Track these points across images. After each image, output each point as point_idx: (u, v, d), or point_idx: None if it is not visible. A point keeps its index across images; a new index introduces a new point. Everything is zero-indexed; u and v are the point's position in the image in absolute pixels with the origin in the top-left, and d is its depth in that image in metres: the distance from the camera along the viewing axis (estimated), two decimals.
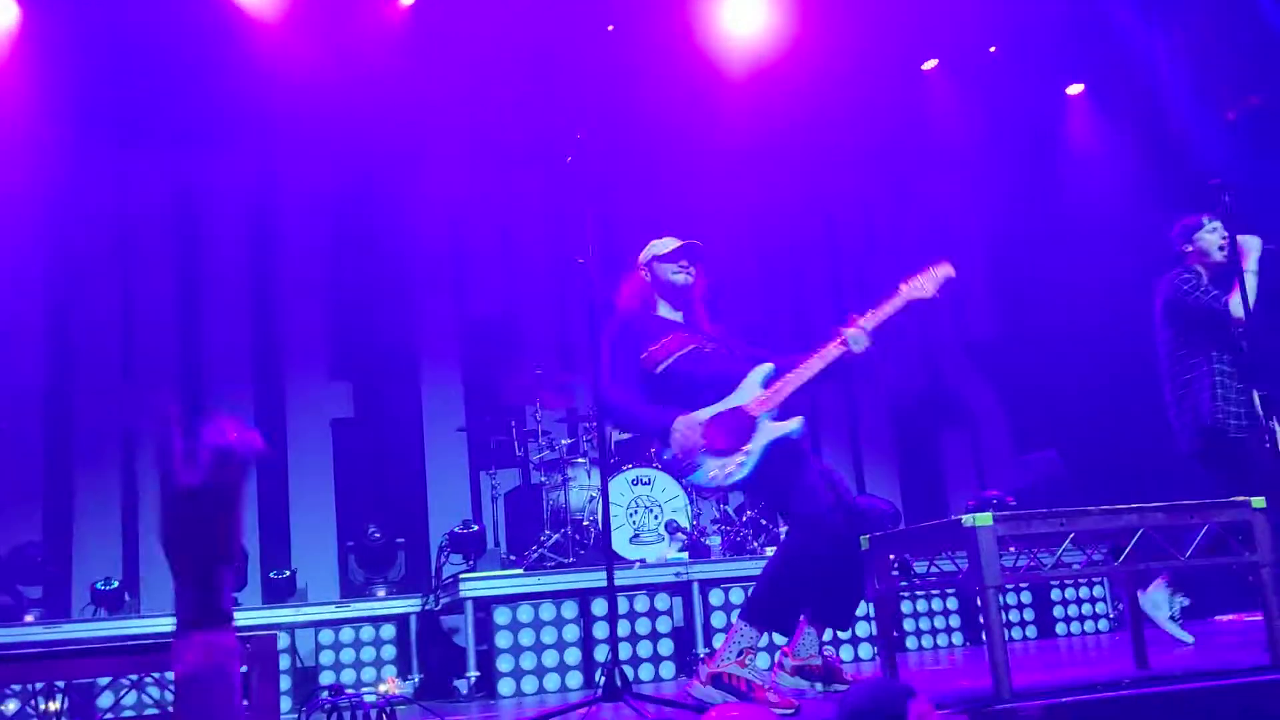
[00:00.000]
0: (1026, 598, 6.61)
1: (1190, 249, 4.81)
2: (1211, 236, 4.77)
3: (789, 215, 8.54)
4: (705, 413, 3.82)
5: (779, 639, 3.93)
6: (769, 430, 3.83)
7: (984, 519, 3.35)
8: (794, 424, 3.84)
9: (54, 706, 4.55)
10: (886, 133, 8.24)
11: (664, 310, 4.13)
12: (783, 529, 6.02)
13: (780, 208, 8.44)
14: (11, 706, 5.11)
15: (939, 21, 7.76)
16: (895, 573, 3.90)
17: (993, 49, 8.18)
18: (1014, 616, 6.52)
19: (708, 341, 4.04)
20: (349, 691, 5.66)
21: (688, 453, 3.78)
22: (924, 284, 3.92)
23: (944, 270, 3.95)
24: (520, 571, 5.91)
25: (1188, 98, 7.71)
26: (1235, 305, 4.53)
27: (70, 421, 7.20)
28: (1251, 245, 4.61)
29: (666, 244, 4.14)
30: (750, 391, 3.89)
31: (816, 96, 7.74)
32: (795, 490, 3.75)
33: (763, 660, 4.55)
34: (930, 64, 8.38)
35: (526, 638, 5.62)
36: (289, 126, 7.50)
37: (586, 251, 3.96)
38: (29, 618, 6.13)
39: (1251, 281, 4.51)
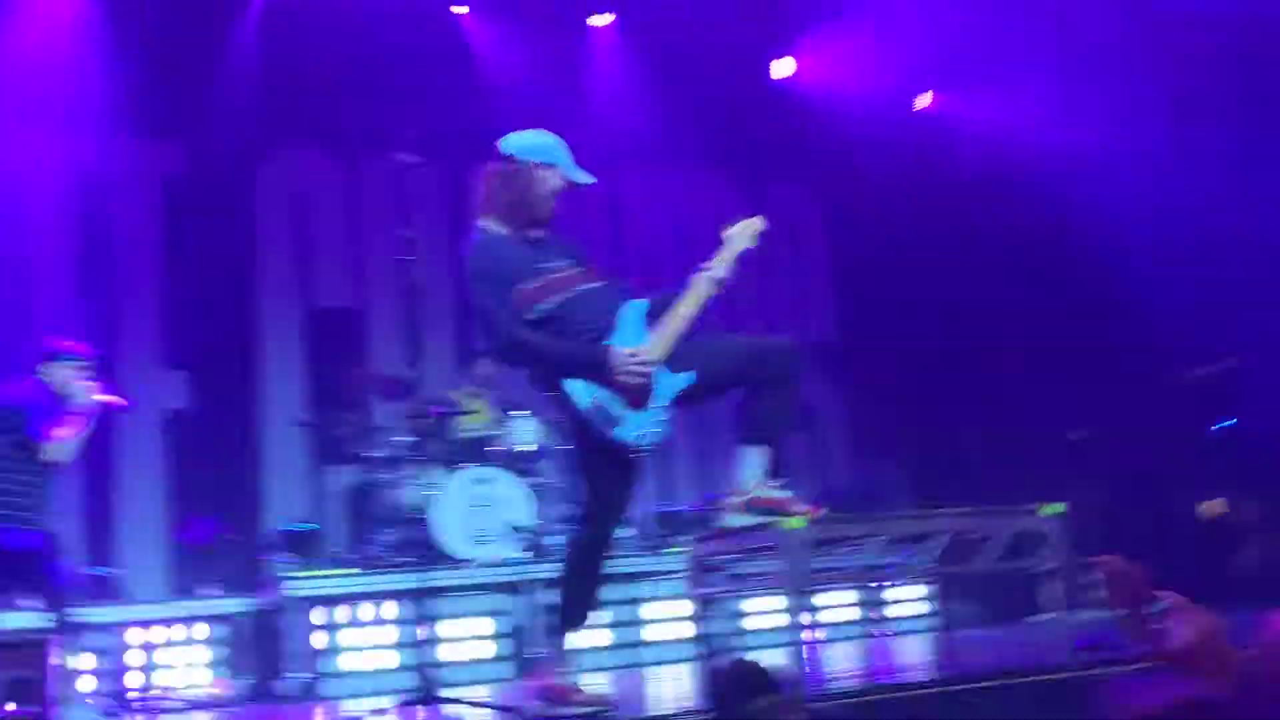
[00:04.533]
0: (855, 597, 6.76)
1: None
2: None
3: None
4: (650, 347, 3.49)
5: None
6: (670, 382, 3.56)
7: (797, 522, 3.44)
8: (691, 376, 3.56)
9: None
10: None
11: (527, 228, 3.68)
12: None
13: None
14: None
15: None
16: (715, 575, 3.97)
17: None
18: (847, 614, 6.67)
19: (582, 273, 3.69)
20: (162, 691, 5.51)
21: (643, 388, 3.46)
22: (744, 233, 3.78)
23: (758, 223, 3.80)
24: (355, 570, 5.81)
25: None
26: None
27: None
28: None
29: (545, 140, 3.71)
30: (636, 333, 3.60)
31: None
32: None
33: None
34: None
35: (357, 638, 5.52)
36: (127, 104, 7.21)
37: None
38: None
39: None
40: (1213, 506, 6.57)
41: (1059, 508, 3.70)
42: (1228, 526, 6.42)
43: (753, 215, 3.85)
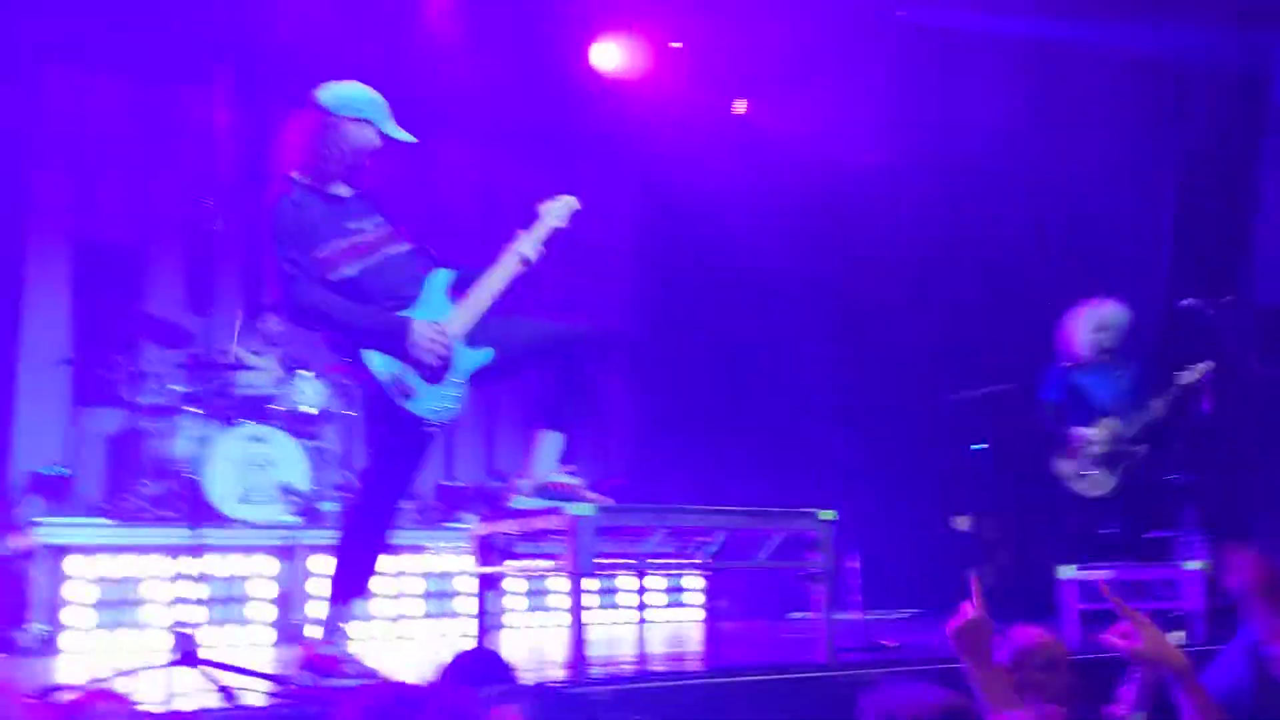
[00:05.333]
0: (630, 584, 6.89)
1: None
2: None
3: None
4: (452, 320, 3.45)
5: None
6: (469, 358, 3.51)
7: (585, 509, 3.47)
8: (488, 353, 3.53)
9: None
10: None
11: (336, 185, 3.56)
12: None
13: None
14: None
15: None
16: (498, 554, 3.97)
17: None
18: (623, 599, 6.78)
19: (388, 235, 3.58)
20: None
21: (440, 360, 3.39)
22: (557, 210, 3.77)
23: (571, 202, 3.81)
24: (107, 522, 5.48)
25: None
26: None
27: None
28: None
29: (362, 93, 3.59)
30: (439, 305, 3.54)
31: None
32: None
33: None
34: None
35: (107, 593, 5.22)
36: None
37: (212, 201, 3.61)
38: None
39: None
40: (960, 522, 7.05)
41: (830, 514, 3.88)
42: (974, 541, 6.89)
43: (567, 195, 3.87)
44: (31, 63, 7.16)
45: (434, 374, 3.43)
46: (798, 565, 3.93)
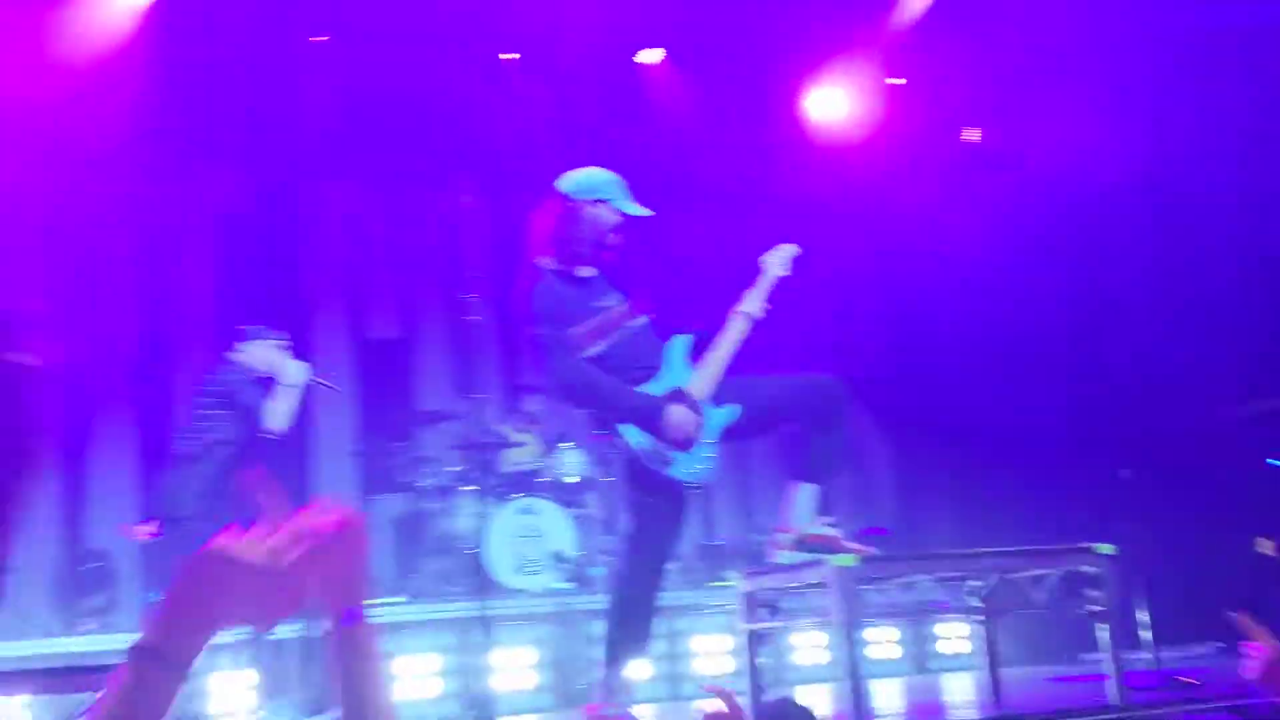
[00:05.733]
0: (900, 634, 6.75)
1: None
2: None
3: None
4: (693, 384, 3.58)
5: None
6: (715, 418, 3.63)
7: (845, 560, 3.47)
8: (735, 410, 3.65)
9: None
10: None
11: (581, 267, 3.76)
12: None
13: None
14: None
15: None
16: (764, 610, 4.01)
17: None
18: (893, 650, 6.65)
19: (630, 312, 3.77)
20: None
21: (688, 440, 3.53)
22: (779, 260, 3.90)
23: (791, 249, 3.93)
24: (402, 599, 5.88)
25: None
26: None
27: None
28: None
29: (598, 177, 3.80)
30: (681, 371, 3.68)
31: None
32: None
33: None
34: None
35: (405, 666, 5.58)
36: (183, 140, 7.43)
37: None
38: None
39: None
40: (1265, 544, 6.50)
41: (1108, 548, 3.71)
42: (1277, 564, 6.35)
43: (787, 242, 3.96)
44: (310, 181, 7.92)
45: (686, 444, 3.57)
46: (1079, 604, 3.77)
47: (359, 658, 1.23)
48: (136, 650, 1.11)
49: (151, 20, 6.98)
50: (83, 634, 5.84)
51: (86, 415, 7.09)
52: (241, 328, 5.25)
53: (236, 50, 7.20)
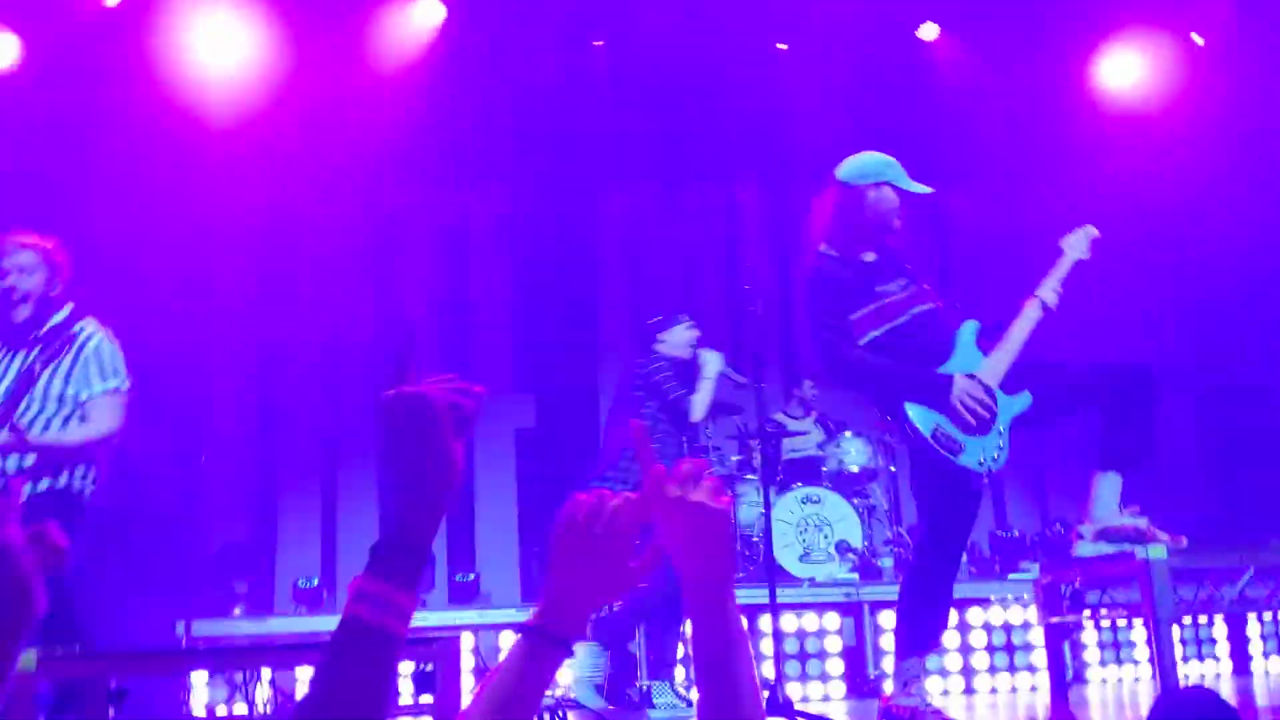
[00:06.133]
0: (1221, 630, 6.30)
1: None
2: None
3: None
4: (985, 371, 3.48)
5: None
6: (1008, 406, 3.53)
7: (1158, 551, 3.29)
8: (1027, 399, 3.54)
9: (261, 694, 4.94)
10: None
11: (863, 252, 3.71)
12: None
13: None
14: (222, 694, 5.53)
15: None
16: (1067, 603, 3.85)
17: None
18: (1208, 649, 6.23)
19: (914, 294, 3.69)
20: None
21: (979, 419, 3.46)
22: (1078, 243, 3.76)
23: (1090, 231, 3.77)
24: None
25: None
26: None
27: (276, 430, 7.74)
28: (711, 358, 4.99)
29: (877, 160, 3.75)
30: (972, 356, 3.59)
31: None
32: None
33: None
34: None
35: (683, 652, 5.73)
36: (479, 148, 7.90)
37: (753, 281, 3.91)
38: (236, 611, 6.63)
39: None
40: None
41: None
42: None
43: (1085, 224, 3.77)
44: (590, 179, 8.24)
45: (976, 426, 3.46)
46: None
47: (724, 635, 1.24)
48: (527, 630, 1.20)
49: (445, 34, 7.48)
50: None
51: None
52: (656, 319, 5.43)
53: (521, 58, 7.58)
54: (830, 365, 3.66)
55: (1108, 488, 3.54)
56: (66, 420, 3.90)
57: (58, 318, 3.98)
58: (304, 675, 5.49)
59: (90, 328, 3.97)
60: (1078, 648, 5.95)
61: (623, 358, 6.95)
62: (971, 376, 3.52)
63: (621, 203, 8.36)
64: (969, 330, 3.65)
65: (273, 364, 7.82)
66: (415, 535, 1.05)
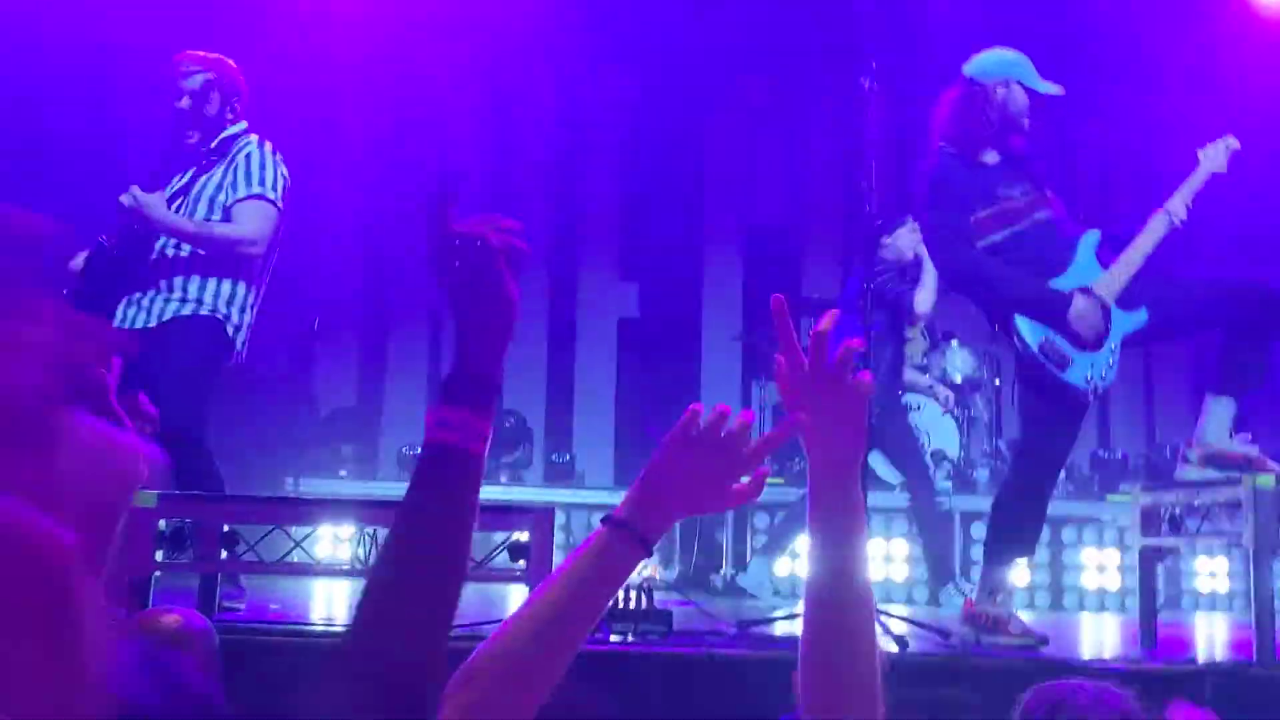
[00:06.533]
0: None
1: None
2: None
3: None
4: (1102, 284, 3.40)
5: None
6: (1121, 322, 3.44)
7: (1265, 480, 3.20)
8: (1142, 315, 3.44)
9: (362, 552, 5.15)
10: None
11: (985, 153, 3.60)
12: None
13: None
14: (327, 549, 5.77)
15: None
16: (1165, 527, 3.78)
17: None
18: None
19: (1036, 200, 3.58)
20: None
21: (1092, 338, 3.39)
22: (1216, 155, 3.60)
23: (1231, 142, 3.59)
24: (780, 480, 6.07)
25: None
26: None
27: (383, 299, 7.91)
28: None
29: (1008, 57, 3.63)
30: (1090, 268, 3.49)
31: None
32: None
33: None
34: None
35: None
36: (590, 32, 7.79)
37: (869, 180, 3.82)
38: (343, 473, 6.91)
39: None
40: None
41: None
42: None
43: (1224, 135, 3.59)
44: (703, 72, 8.09)
45: (1089, 342, 3.38)
46: None
47: (845, 514, 1.27)
48: (611, 520, 1.23)
49: None
50: (501, 485, 6.58)
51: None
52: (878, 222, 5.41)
53: None
54: (946, 266, 3.60)
55: (1220, 412, 3.44)
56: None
57: (228, 132, 3.94)
58: None
59: (252, 141, 3.92)
60: (1172, 574, 5.87)
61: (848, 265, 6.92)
62: (1088, 290, 3.43)
63: (732, 92, 8.21)
64: (1090, 241, 3.54)
65: (380, 231, 7.93)
66: (484, 366, 1.11)
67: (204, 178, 3.86)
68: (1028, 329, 3.42)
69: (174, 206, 3.81)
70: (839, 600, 1.25)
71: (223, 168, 3.87)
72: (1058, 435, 3.55)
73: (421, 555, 1.05)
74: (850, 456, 1.27)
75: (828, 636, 1.25)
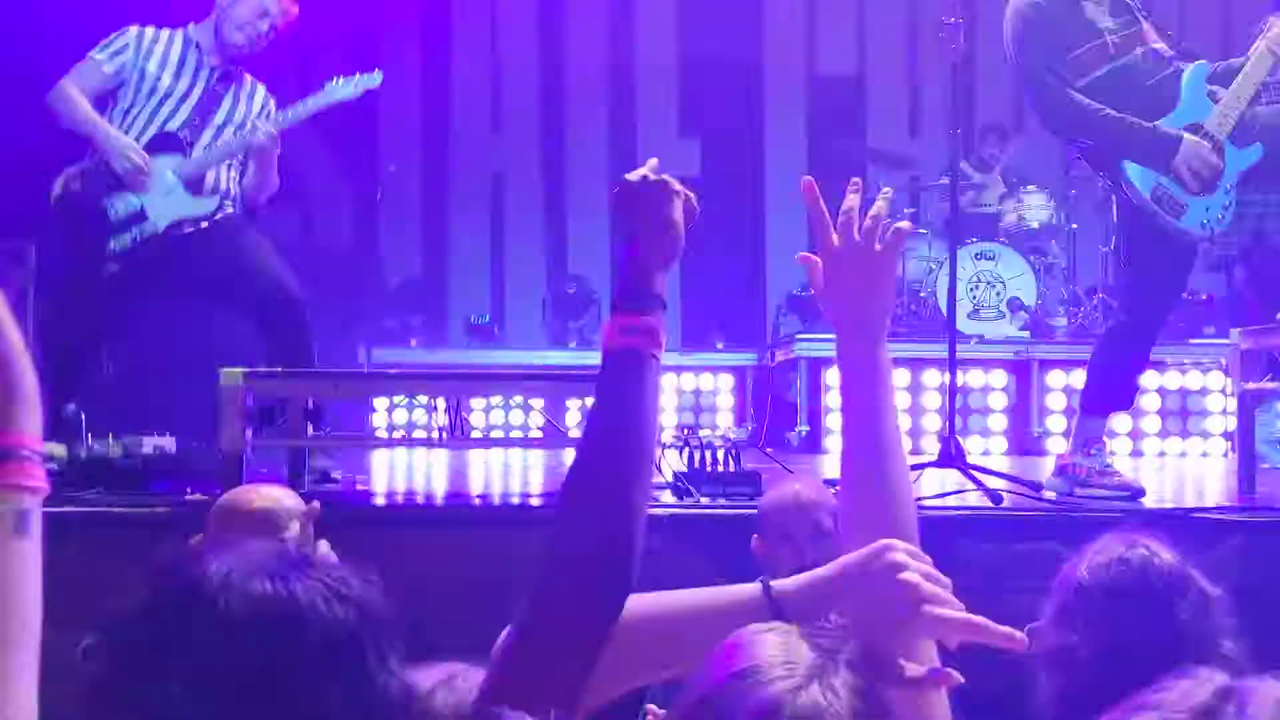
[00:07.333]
0: None
1: None
2: None
3: None
4: (1214, 121, 3.20)
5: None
6: (1236, 159, 3.25)
7: None
8: (1258, 150, 3.25)
9: (439, 420, 5.19)
10: None
11: None
12: None
13: None
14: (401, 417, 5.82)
15: None
16: (1266, 372, 3.66)
17: None
18: None
19: (1139, 32, 3.37)
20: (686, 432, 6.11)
21: (1206, 182, 3.21)
22: None
23: None
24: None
25: None
26: None
27: (445, 169, 7.81)
28: None
29: None
30: (1200, 103, 3.29)
31: None
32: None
33: None
34: None
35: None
36: None
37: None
38: (413, 342, 6.94)
39: None
40: None
41: None
42: None
43: None
44: None
45: (1203, 185, 3.21)
46: None
47: (874, 379, 1.34)
48: (769, 594, 1.19)
49: None
50: (570, 350, 6.60)
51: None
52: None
53: None
54: (1046, 110, 3.40)
55: None
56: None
57: None
58: (478, 404, 5.75)
59: None
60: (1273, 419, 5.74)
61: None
62: (1199, 128, 3.23)
63: None
64: (1198, 73, 3.31)
65: (439, 97, 7.79)
66: (652, 283, 1.27)
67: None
68: (1138, 176, 3.24)
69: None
70: (875, 454, 1.32)
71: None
72: (1167, 284, 3.42)
73: (617, 446, 1.19)
74: (879, 323, 1.34)
75: (868, 489, 1.32)
